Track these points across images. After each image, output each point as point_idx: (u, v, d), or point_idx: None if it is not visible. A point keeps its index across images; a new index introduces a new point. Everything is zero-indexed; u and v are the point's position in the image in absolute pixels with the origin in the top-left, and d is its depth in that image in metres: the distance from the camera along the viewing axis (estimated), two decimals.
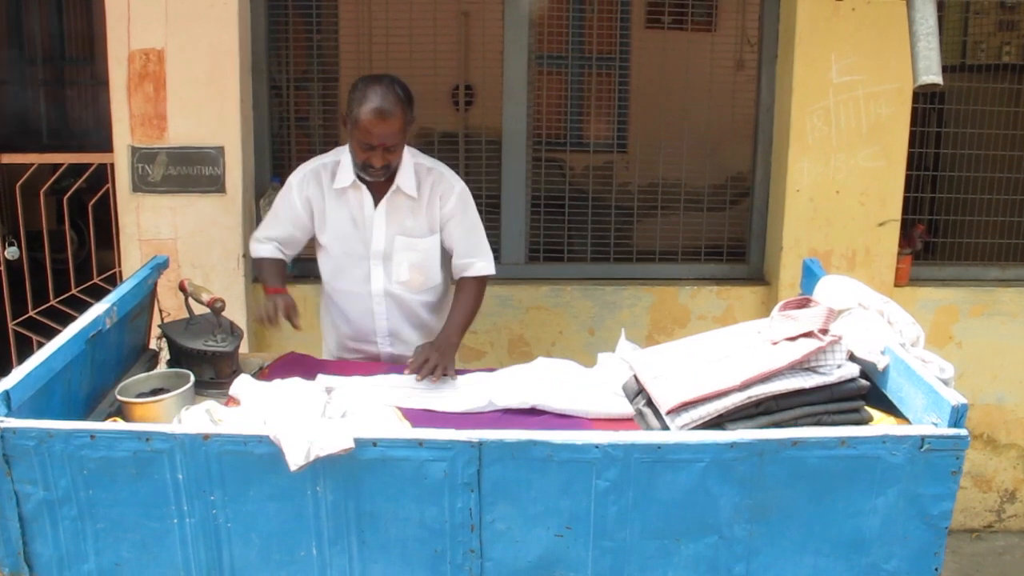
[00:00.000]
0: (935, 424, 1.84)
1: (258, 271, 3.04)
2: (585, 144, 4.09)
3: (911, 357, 2.07)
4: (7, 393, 1.90)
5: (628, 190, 4.01)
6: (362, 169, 2.67)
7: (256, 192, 3.67)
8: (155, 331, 2.87)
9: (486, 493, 1.81)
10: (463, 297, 2.82)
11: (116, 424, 2.01)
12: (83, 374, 2.33)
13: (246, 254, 3.59)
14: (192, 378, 2.40)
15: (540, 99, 3.91)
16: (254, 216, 3.66)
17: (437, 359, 2.55)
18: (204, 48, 3.42)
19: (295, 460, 1.74)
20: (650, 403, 2.06)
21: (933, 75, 2.60)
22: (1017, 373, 3.92)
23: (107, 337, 2.44)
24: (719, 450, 1.79)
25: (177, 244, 3.52)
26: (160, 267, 2.82)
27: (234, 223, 3.55)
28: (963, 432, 1.81)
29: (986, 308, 3.86)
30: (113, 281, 3.93)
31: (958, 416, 1.81)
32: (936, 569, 1.91)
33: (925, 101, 3.98)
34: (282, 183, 3.61)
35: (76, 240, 5.20)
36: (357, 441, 1.77)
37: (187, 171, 3.51)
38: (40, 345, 3.89)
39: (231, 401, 2.35)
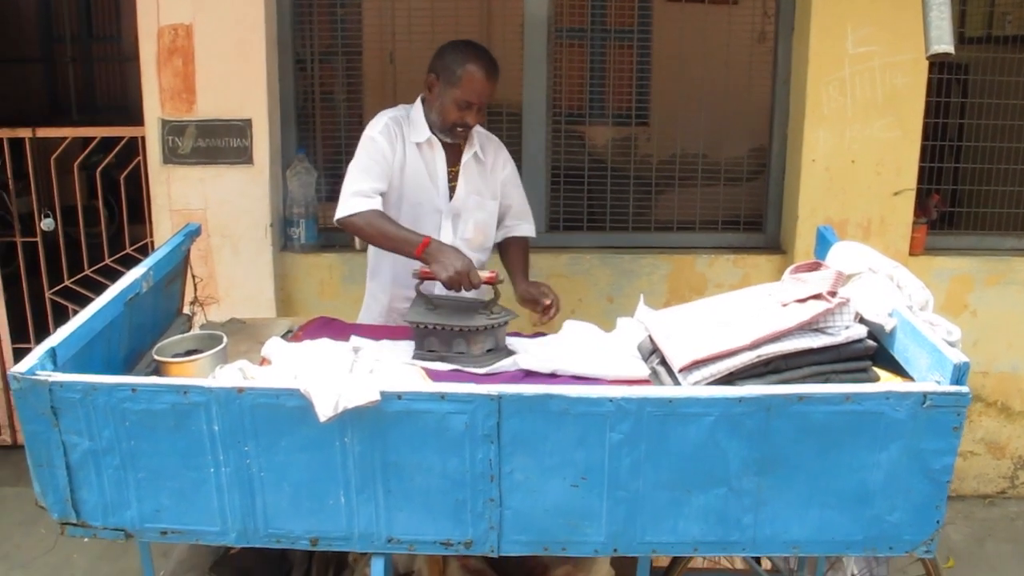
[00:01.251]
0: (938, 382, 1.91)
1: (377, 225, 2.68)
2: (604, 116, 4.15)
3: (918, 320, 2.14)
4: (53, 350, 2.01)
5: (647, 162, 4.08)
6: (450, 128, 2.77)
7: (283, 164, 3.77)
8: (188, 296, 2.98)
9: (505, 445, 1.90)
10: (522, 254, 3.03)
11: (156, 378, 2.11)
12: (121, 335, 2.44)
13: (273, 223, 3.70)
14: (225, 339, 2.50)
15: (560, 72, 3.97)
16: (280, 187, 3.76)
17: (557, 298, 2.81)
18: (231, 23, 3.51)
19: (324, 412, 1.84)
20: (664, 362, 2.14)
21: (945, 44, 2.63)
22: None
23: (144, 301, 2.55)
24: (728, 404, 1.87)
25: (207, 214, 3.62)
26: (192, 234, 2.91)
27: (262, 193, 3.65)
28: (964, 389, 1.87)
29: (1002, 277, 3.90)
30: (145, 251, 4.06)
31: (960, 374, 1.88)
32: (937, 522, 1.98)
33: (948, 72, 4.02)
34: (307, 154, 3.72)
35: (107, 214, 5.33)
36: (383, 394, 1.86)
37: (216, 143, 3.61)
38: (76, 313, 4.05)
39: (264, 362, 2.45)
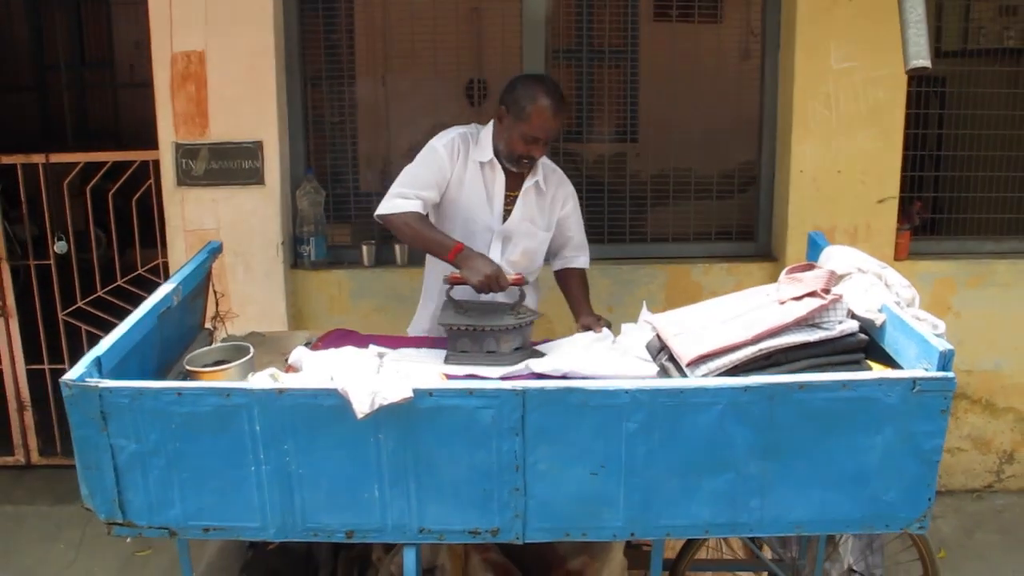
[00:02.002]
0: (926, 369, 2.06)
1: (414, 226, 2.84)
2: (600, 135, 4.31)
3: (906, 314, 2.30)
4: (99, 359, 2.14)
5: (642, 178, 4.24)
6: (517, 160, 2.89)
7: (292, 184, 3.91)
8: (209, 311, 3.11)
9: (529, 437, 2.04)
10: (581, 283, 3.17)
11: (200, 382, 2.24)
12: (154, 348, 2.56)
13: (284, 242, 3.83)
14: (252, 350, 2.63)
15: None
16: (290, 206, 3.90)
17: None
18: (242, 49, 3.66)
19: (361, 408, 1.97)
20: (671, 358, 2.29)
21: (922, 59, 2.81)
22: (1013, 341, 4.14)
23: (172, 315, 2.68)
24: (734, 394, 2.02)
25: (220, 234, 3.74)
26: (215, 252, 3.05)
27: (273, 213, 3.79)
28: (950, 375, 2.03)
29: (982, 280, 4.08)
30: (157, 272, 4.19)
31: (946, 361, 2.04)
32: (929, 499, 2.13)
33: (927, 85, 4.21)
34: (316, 175, 3.87)
35: (104, 239, 5.42)
36: (415, 392, 2.00)
37: (228, 165, 3.75)
38: (89, 334, 4.17)
39: (290, 369, 2.58)
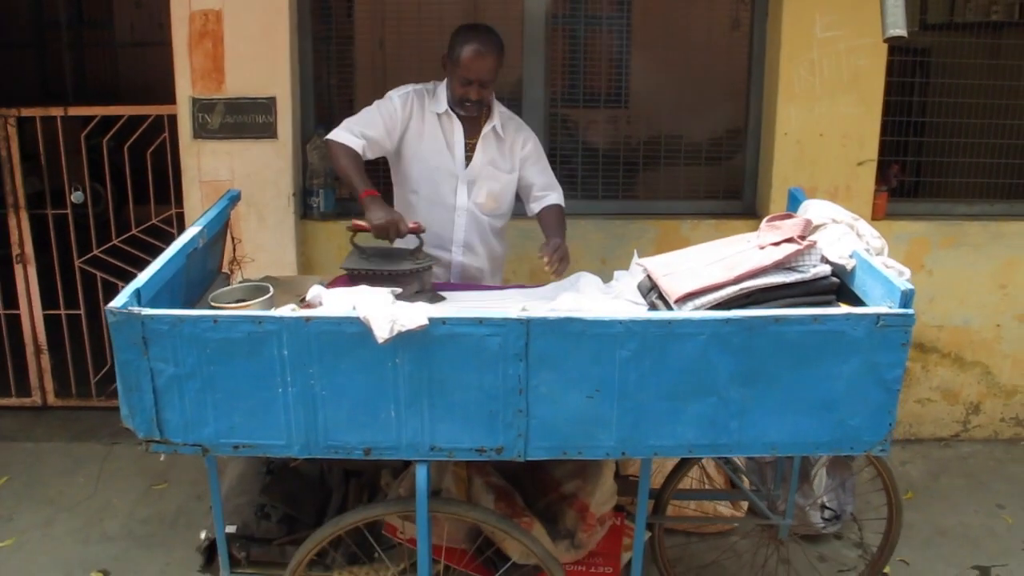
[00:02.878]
0: (889, 307, 2.29)
1: (343, 160, 3.10)
2: (596, 99, 4.50)
3: (875, 260, 2.52)
4: (138, 291, 2.34)
5: (635, 140, 4.45)
6: (459, 103, 3.15)
7: (303, 138, 4.10)
8: (227, 256, 3.31)
9: (532, 362, 2.26)
10: (554, 217, 3.35)
11: (234, 310, 2.44)
12: (180, 287, 2.76)
13: (295, 193, 4.03)
14: (271, 289, 2.84)
15: (555, 58, 4.33)
16: (301, 159, 4.09)
17: (565, 251, 3.13)
18: (257, 8, 3.83)
19: (382, 334, 2.19)
20: (660, 296, 2.51)
21: (899, 29, 3.01)
22: (981, 298, 4.38)
23: (196, 256, 2.88)
24: (717, 326, 2.24)
25: (234, 184, 3.93)
26: (234, 199, 3.25)
27: (285, 165, 3.99)
28: (910, 312, 2.26)
29: (954, 240, 4.31)
30: (170, 222, 4.38)
31: (907, 299, 2.26)
32: (890, 424, 2.36)
33: (912, 55, 4.43)
34: (327, 131, 4.06)
35: (103, 194, 5.57)
36: (430, 320, 2.22)
37: (242, 119, 3.94)
38: (104, 281, 4.36)
39: (307, 306, 2.79)
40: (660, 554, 3.15)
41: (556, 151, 4.30)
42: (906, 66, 4.42)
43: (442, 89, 3.23)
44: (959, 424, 4.59)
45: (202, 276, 3.08)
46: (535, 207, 3.41)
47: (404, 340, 2.23)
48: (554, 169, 4.24)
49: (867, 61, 3.99)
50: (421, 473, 2.41)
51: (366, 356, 2.27)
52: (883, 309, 2.28)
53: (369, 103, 3.26)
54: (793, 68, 4.00)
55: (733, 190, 4.38)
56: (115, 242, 4.46)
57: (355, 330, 2.25)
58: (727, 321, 2.24)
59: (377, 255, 2.98)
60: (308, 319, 2.26)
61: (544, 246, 3.17)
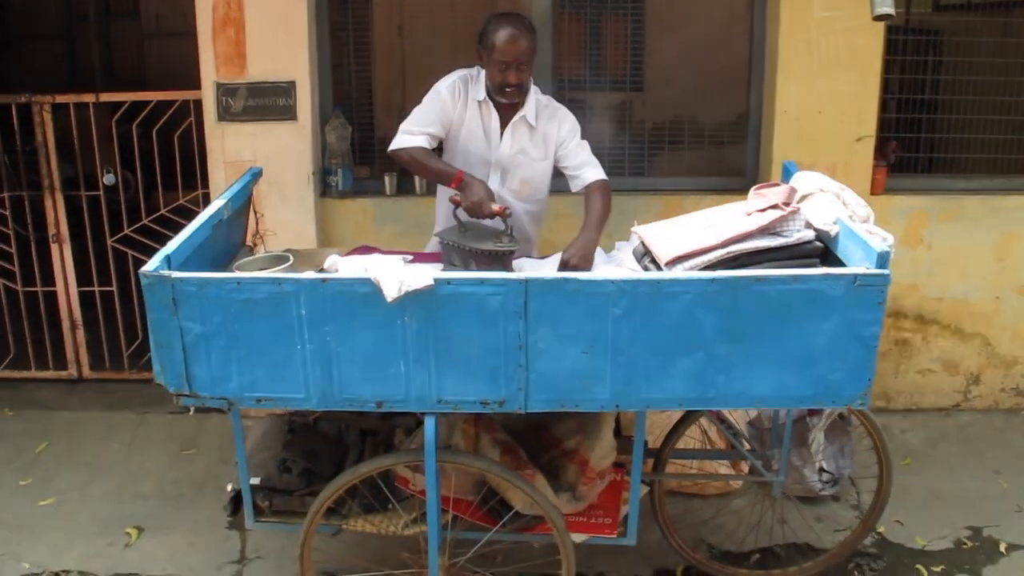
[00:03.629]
0: (866, 267, 2.45)
1: (419, 160, 3.25)
2: (600, 83, 4.64)
3: (857, 226, 2.68)
4: (168, 256, 2.55)
5: (641, 121, 4.60)
6: (500, 90, 3.25)
7: (321, 119, 4.29)
8: (250, 229, 3.51)
9: (531, 320, 2.43)
10: (594, 198, 3.35)
11: (256, 273, 2.63)
12: (206, 256, 2.96)
13: (314, 172, 4.23)
14: (291, 259, 3.03)
15: (562, 41, 4.48)
16: (320, 140, 4.29)
17: (577, 261, 3.08)
18: None
19: (390, 293, 2.37)
20: (653, 260, 2.68)
21: (887, 7, 3.17)
22: (980, 271, 4.50)
23: (221, 228, 3.08)
24: (702, 285, 2.41)
25: (256, 164, 4.12)
26: (257, 176, 3.45)
27: (304, 146, 4.19)
28: (886, 272, 2.41)
29: (953, 214, 4.43)
30: (196, 202, 4.58)
31: (883, 260, 2.42)
32: (869, 379, 2.51)
33: (923, 35, 4.56)
34: (343, 112, 4.25)
35: (132, 181, 5.78)
36: (436, 280, 2.40)
37: (264, 102, 4.13)
38: (134, 259, 4.58)
39: None
40: (660, 511, 3.31)
41: None
42: (919, 45, 4.55)
43: (482, 77, 3.33)
44: (959, 394, 4.71)
45: (227, 248, 3.28)
46: (577, 185, 3.48)
47: (412, 299, 2.42)
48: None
49: (864, 40, 4.11)
50: (429, 425, 2.60)
51: (377, 315, 2.45)
52: (860, 269, 2.44)
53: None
54: (792, 47, 4.13)
55: (735, 166, 4.52)
56: (145, 222, 4.67)
57: (367, 290, 2.43)
58: (712, 281, 2.41)
59: (473, 231, 3.13)
60: (324, 280, 2.45)
61: (567, 250, 3.17)
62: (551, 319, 2.44)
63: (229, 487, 3.12)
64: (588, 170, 3.44)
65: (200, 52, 4.10)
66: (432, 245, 3.58)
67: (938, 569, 3.49)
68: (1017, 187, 4.51)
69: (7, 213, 4.79)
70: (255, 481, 2.98)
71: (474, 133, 3.37)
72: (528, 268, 3.13)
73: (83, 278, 4.85)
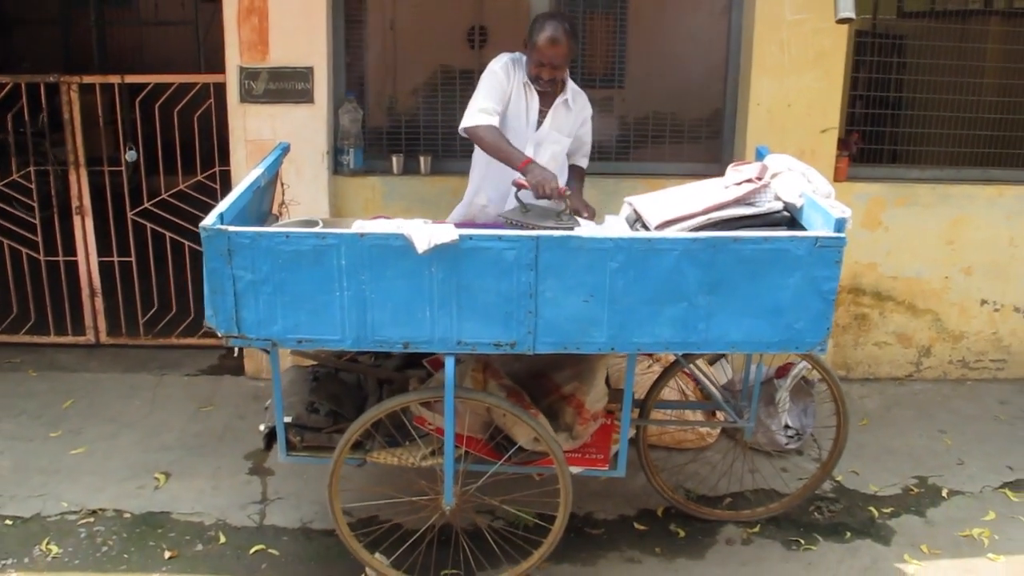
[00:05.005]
0: (826, 231, 2.86)
1: (494, 139, 3.55)
2: (591, 80, 5.04)
3: (819, 199, 3.09)
4: (222, 214, 2.90)
5: (627, 113, 5.02)
6: (536, 80, 3.69)
7: (335, 103, 4.66)
8: (277, 199, 3.88)
9: (540, 272, 2.82)
10: (580, 178, 4.06)
11: (302, 228, 2.99)
12: (244, 220, 3.32)
13: (328, 151, 4.59)
14: (320, 223, 3.39)
15: None
16: (334, 122, 4.66)
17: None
18: None
19: (421, 246, 2.75)
20: (644, 225, 3.09)
21: (849, 11, 3.61)
22: (931, 252, 4.96)
23: (256, 196, 3.43)
24: (687, 243, 2.81)
25: (275, 143, 4.46)
26: (285, 150, 3.82)
27: (320, 127, 4.55)
28: (843, 235, 2.83)
29: (907, 200, 4.89)
30: (214, 179, 4.93)
31: (840, 226, 2.83)
32: (827, 328, 2.93)
33: (888, 39, 5.03)
34: (357, 97, 4.61)
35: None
36: (460, 236, 2.78)
37: (283, 86, 4.50)
38: (153, 231, 4.91)
39: None
40: (644, 455, 3.72)
41: None
42: (885, 47, 5.01)
43: (524, 63, 3.75)
44: (912, 365, 5.17)
45: (257, 215, 3.64)
46: (571, 161, 4.03)
47: (438, 252, 2.80)
48: None
49: (830, 41, 4.55)
50: (449, 364, 2.99)
51: (407, 266, 2.83)
52: (821, 233, 2.86)
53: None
54: (765, 46, 4.56)
55: (713, 153, 4.95)
56: (164, 196, 5.01)
57: (400, 244, 2.81)
58: (695, 240, 2.82)
59: (534, 211, 3.47)
60: (362, 235, 2.82)
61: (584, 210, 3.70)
62: (557, 271, 2.83)
63: (262, 427, 3.48)
64: (579, 157, 4.03)
65: (226, 38, 4.46)
66: (455, 217, 3.97)
67: (888, 510, 3.93)
68: (964, 177, 4.98)
69: (32, 187, 5.10)
70: (287, 420, 3.34)
71: (518, 110, 3.77)
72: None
73: (103, 249, 5.17)
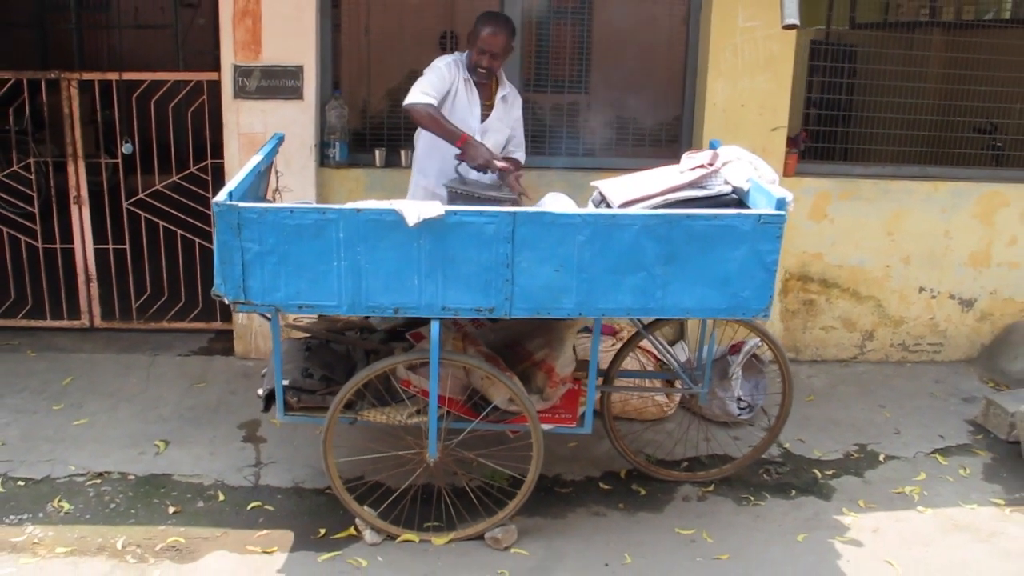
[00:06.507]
0: (769, 209, 3.25)
1: (432, 116, 3.92)
2: (559, 85, 5.44)
3: (765, 183, 3.49)
4: (231, 192, 3.23)
5: (593, 112, 5.41)
6: (473, 69, 4.13)
7: (322, 100, 5.00)
8: (271, 186, 4.20)
9: (517, 244, 3.18)
10: (518, 165, 4.34)
11: (305, 204, 3.33)
12: (248, 199, 3.65)
13: (316, 144, 4.93)
14: (314, 202, 3.73)
15: (528, 46, 5.27)
16: (321, 117, 4.99)
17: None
18: None
19: (411, 220, 3.10)
20: (608, 206, 3.46)
21: (794, 19, 3.98)
22: (873, 243, 5.39)
23: (256, 181, 3.76)
24: (646, 219, 3.18)
25: (266, 137, 4.79)
26: (281, 140, 4.15)
27: (308, 121, 4.89)
28: (783, 213, 3.21)
29: (851, 194, 5.32)
30: (207, 171, 5.23)
31: (782, 205, 3.22)
32: (770, 296, 3.31)
33: (844, 45, 5.48)
34: (343, 95, 4.96)
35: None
36: (446, 211, 3.13)
37: (275, 83, 4.83)
38: (147, 220, 5.21)
39: None
40: (609, 423, 4.09)
41: (528, 116, 5.23)
42: (837, 54, 5.46)
43: (467, 60, 4.20)
44: (856, 348, 5.59)
45: (255, 200, 3.96)
46: (504, 154, 4.37)
47: (426, 226, 3.14)
48: (528, 133, 5.21)
49: (779, 46, 4.97)
50: (435, 328, 3.33)
51: (399, 238, 3.17)
52: (764, 211, 3.24)
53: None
54: (720, 51, 4.97)
55: (672, 148, 5.35)
56: (158, 187, 5.31)
57: (392, 219, 3.15)
58: (653, 216, 3.19)
59: (473, 183, 3.90)
60: (359, 210, 3.16)
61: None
62: (532, 244, 3.19)
63: (260, 391, 3.80)
64: (519, 151, 4.47)
65: (221, 38, 4.78)
66: (413, 193, 4.37)
67: (830, 472, 4.32)
68: (904, 174, 5.42)
69: (32, 177, 5.38)
70: (285, 383, 3.66)
71: (463, 103, 4.20)
72: None
73: (99, 237, 5.45)
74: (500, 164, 3.89)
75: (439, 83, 4.08)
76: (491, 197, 3.76)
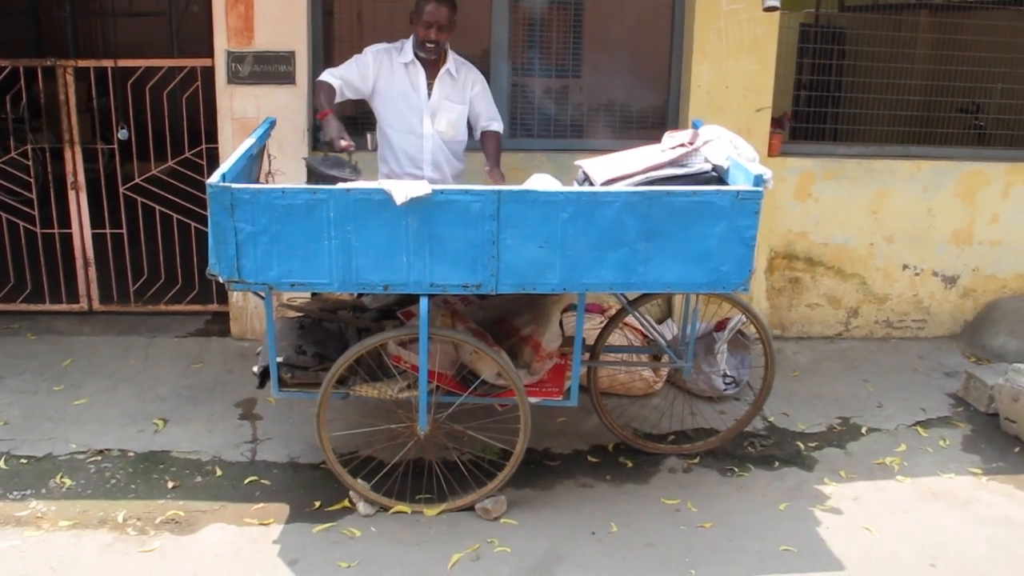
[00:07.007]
0: (747, 186, 3.35)
1: (318, 93, 4.15)
2: (547, 69, 5.52)
3: (744, 161, 3.58)
4: (224, 174, 3.33)
5: (581, 95, 5.49)
6: (421, 46, 4.17)
7: (314, 85, 5.06)
8: (264, 169, 4.29)
9: (502, 222, 3.27)
10: (492, 143, 4.42)
11: (297, 184, 3.42)
12: (241, 182, 3.74)
13: (310, 128, 5.02)
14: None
15: (517, 31, 5.34)
16: (312, 102, 5.07)
17: (501, 176, 4.28)
18: None
19: (399, 199, 3.19)
20: (591, 184, 3.56)
21: (773, 1, 4.09)
22: (856, 222, 5.49)
23: (248, 164, 3.85)
24: (627, 196, 3.28)
25: (259, 121, 4.87)
26: (272, 124, 4.24)
27: (300, 106, 4.98)
28: (760, 189, 3.31)
29: (835, 174, 5.41)
30: (202, 155, 5.32)
31: (759, 182, 3.31)
32: (749, 270, 3.41)
33: (832, 27, 5.56)
34: None
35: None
36: (432, 190, 3.23)
37: (267, 69, 4.91)
38: (144, 205, 5.30)
39: None
40: (596, 398, 4.19)
41: (517, 99, 5.33)
42: (826, 36, 5.55)
43: (408, 45, 4.27)
44: (841, 325, 5.70)
45: (248, 183, 4.05)
46: (480, 130, 4.48)
47: (413, 205, 3.23)
48: (516, 116, 5.31)
49: (763, 29, 5.05)
50: (423, 304, 3.43)
51: (387, 217, 3.27)
52: (742, 187, 3.34)
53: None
54: (705, 34, 5.05)
55: (658, 129, 5.41)
56: (154, 172, 5.40)
57: (381, 198, 3.25)
58: (634, 193, 3.29)
59: (331, 161, 4.00)
60: (348, 190, 3.26)
61: (488, 173, 4.27)
62: (516, 221, 3.28)
63: (255, 368, 3.90)
64: (495, 123, 4.50)
65: (214, 24, 4.86)
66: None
67: (813, 444, 4.44)
68: (886, 153, 5.52)
69: (29, 164, 5.47)
70: (279, 360, 3.77)
71: (403, 89, 4.28)
72: None
73: (96, 221, 5.55)
74: (344, 143, 3.99)
75: (355, 68, 4.23)
76: (331, 176, 3.72)
